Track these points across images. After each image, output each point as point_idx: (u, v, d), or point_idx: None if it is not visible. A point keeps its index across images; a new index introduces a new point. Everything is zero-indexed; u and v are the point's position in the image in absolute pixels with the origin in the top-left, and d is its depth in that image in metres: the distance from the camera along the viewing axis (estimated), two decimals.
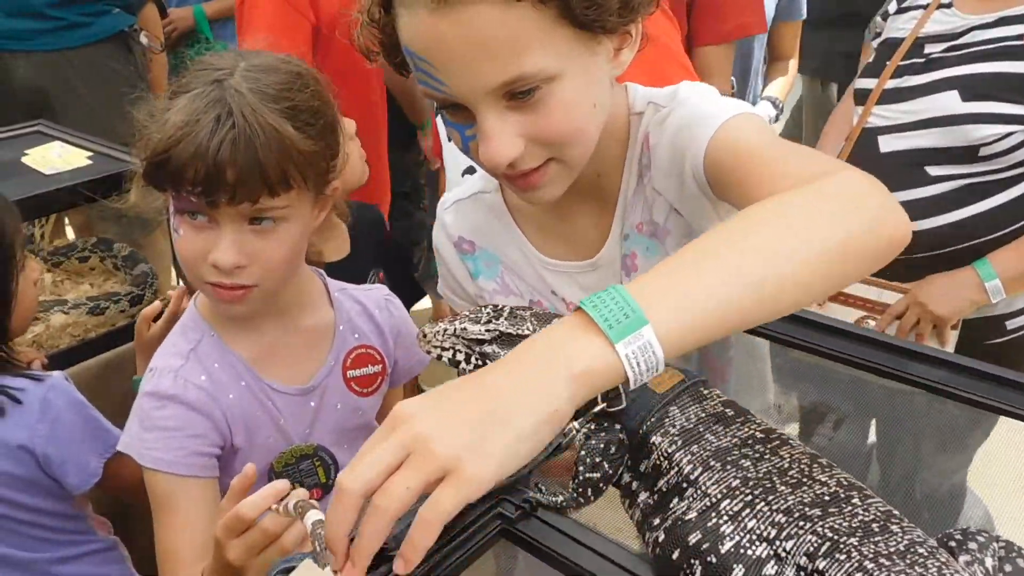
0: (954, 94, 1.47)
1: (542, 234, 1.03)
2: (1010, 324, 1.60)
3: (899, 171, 1.53)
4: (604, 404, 0.69)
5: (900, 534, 0.58)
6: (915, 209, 1.50)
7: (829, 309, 1.61)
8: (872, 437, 1.17)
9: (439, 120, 0.87)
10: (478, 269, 1.07)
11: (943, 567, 0.54)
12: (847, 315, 1.61)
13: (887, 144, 1.56)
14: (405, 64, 0.85)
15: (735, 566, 0.59)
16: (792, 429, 1.03)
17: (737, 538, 0.60)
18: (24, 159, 1.70)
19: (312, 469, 1.15)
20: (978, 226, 1.51)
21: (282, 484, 0.81)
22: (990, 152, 1.45)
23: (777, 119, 2.32)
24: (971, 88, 1.46)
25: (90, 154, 1.73)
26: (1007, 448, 0.90)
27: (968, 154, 1.47)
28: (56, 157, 1.69)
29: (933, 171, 1.51)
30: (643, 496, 0.68)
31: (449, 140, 0.90)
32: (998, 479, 0.95)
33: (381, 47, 0.86)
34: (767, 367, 0.98)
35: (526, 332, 0.74)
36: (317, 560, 0.59)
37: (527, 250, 1.03)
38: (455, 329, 0.76)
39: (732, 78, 2.08)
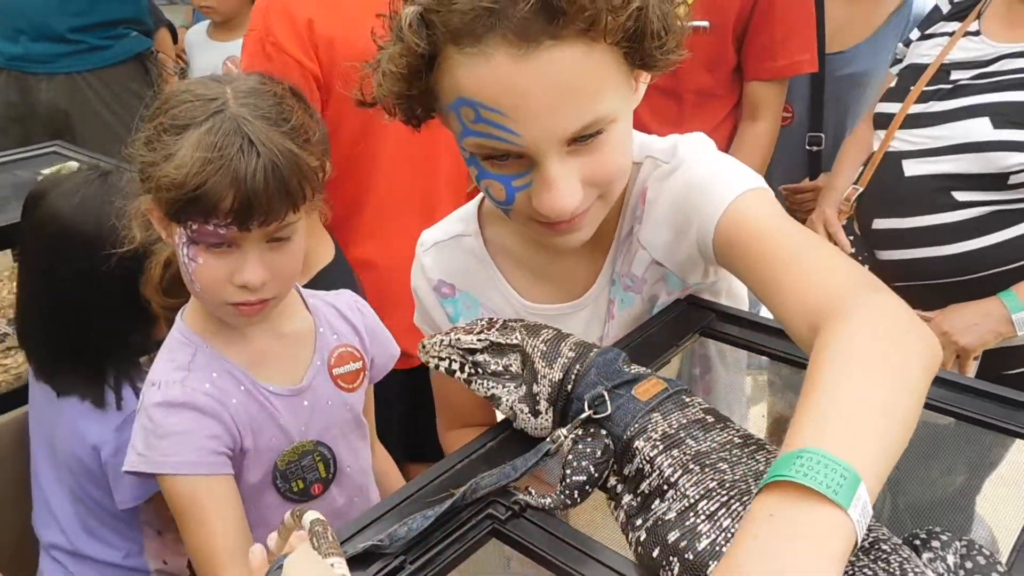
0: (985, 121, 1.47)
1: (525, 277, 1.03)
2: None
3: (925, 195, 1.52)
4: (591, 411, 0.73)
5: (866, 532, 0.60)
6: (940, 234, 1.50)
7: None
8: None
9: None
10: (458, 312, 1.06)
11: (904, 562, 0.57)
12: None
13: (912, 168, 1.55)
14: (423, 118, 0.85)
15: (711, 563, 0.62)
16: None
17: (713, 536, 0.63)
18: (40, 180, 1.76)
19: (313, 464, 1.21)
20: (1003, 254, 1.49)
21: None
22: (1020, 180, 1.45)
23: None
24: (1003, 116, 1.45)
25: None
26: (1018, 470, 0.92)
27: (997, 181, 1.46)
28: None
29: (960, 196, 1.49)
30: (627, 498, 0.71)
31: (482, 189, 0.86)
32: (1004, 501, 0.95)
33: (405, 100, 0.83)
34: (749, 379, 1.01)
35: (514, 341, 0.78)
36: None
37: (508, 294, 1.03)
38: (450, 340, 0.80)
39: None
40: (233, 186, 0.98)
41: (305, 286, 1.36)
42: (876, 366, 0.62)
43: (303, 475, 1.19)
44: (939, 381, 0.86)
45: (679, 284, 0.98)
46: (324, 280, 1.57)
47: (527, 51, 0.73)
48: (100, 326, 1.31)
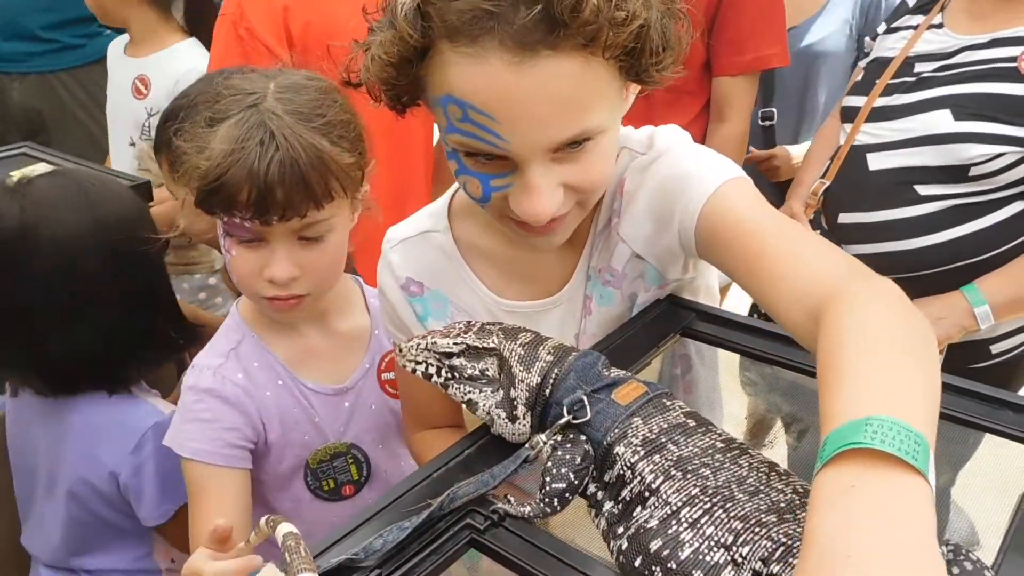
0: (946, 113, 1.48)
1: (497, 274, 1.00)
2: (994, 348, 1.61)
3: (888, 189, 1.53)
4: (570, 416, 0.71)
5: None
6: (903, 228, 1.51)
7: None
8: None
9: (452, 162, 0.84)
10: (427, 311, 1.03)
11: None
12: None
13: (876, 162, 1.56)
14: (408, 106, 0.83)
15: (694, 572, 0.61)
16: (769, 438, 1.05)
17: (696, 544, 0.62)
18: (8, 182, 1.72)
19: (345, 466, 1.21)
20: (967, 247, 1.50)
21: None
22: (981, 172, 1.46)
23: None
24: (963, 108, 1.47)
25: None
26: (988, 463, 0.92)
27: (959, 174, 1.47)
28: None
29: (923, 190, 1.50)
30: (608, 505, 0.69)
31: (460, 183, 0.85)
32: (981, 494, 0.95)
33: (392, 87, 0.81)
34: (731, 379, 1.00)
35: (491, 345, 0.76)
36: (287, 570, 0.61)
37: (480, 291, 1.00)
38: (427, 343, 0.79)
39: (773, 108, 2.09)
40: (248, 180, 0.98)
41: None
42: (898, 344, 0.60)
43: (335, 475, 1.20)
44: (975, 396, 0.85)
45: (658, 279, 0.96)
46: None
47: (523, 59, 0.72)
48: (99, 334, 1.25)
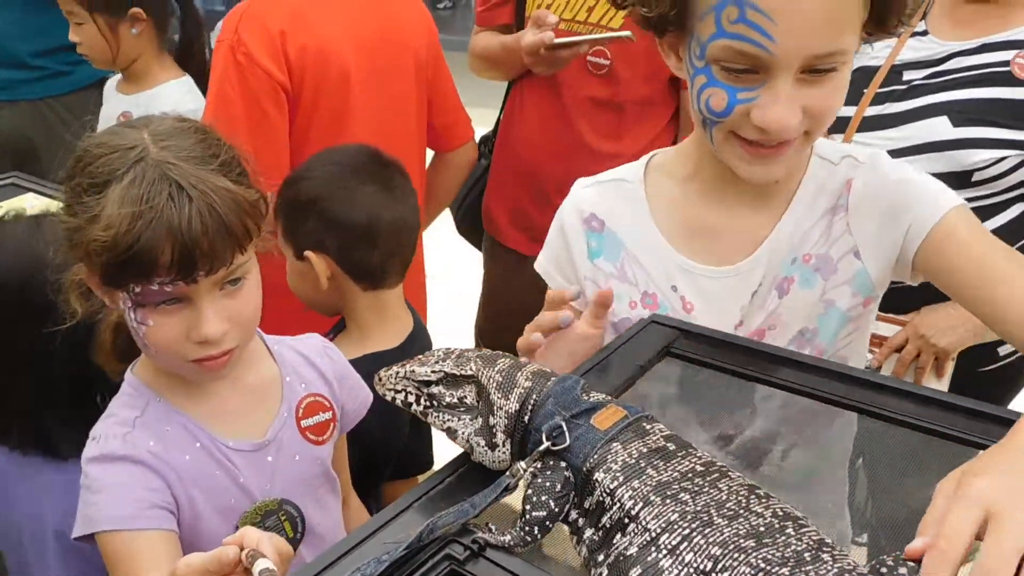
0: (944, 120, 1.48)
1: (679, 230, 1.05)
2: (1002, 351, 1.61)
3: None
4: (549, 443, 0.71)
5: (831, 562, 0.59)
6: None
7: None
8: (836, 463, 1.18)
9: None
10: (600, 249, 1.09)
11: None
12: None
13: None
14: (668, 24, 0.92)
15: None
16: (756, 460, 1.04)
17: (675, 571, 0.61)
18: None
19: (278, 524, 1.12)
20: None
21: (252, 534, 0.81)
22: (983, 177, 1.46)
23: None
24: (961, 113, 1.47)
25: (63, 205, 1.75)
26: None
27: (961, 179, 1.46)
28: (29, 208, 1.71)
29: None
30: (589, 532, 0.69)
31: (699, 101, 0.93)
32: None
33: None
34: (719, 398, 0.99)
35: (469, 372, 0.76)
36: None
37: (658, 242, 1.06)
38: (405, 372, 0.78)
39: None
40: (169, 238, 0.91)
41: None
42: None
43: None
44: (911, 396, 0.85)
45: (865, 287, 1.01)
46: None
47: None
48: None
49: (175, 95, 2.05)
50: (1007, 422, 0.77)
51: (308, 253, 1.43)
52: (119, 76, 2.17)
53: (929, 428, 0.82)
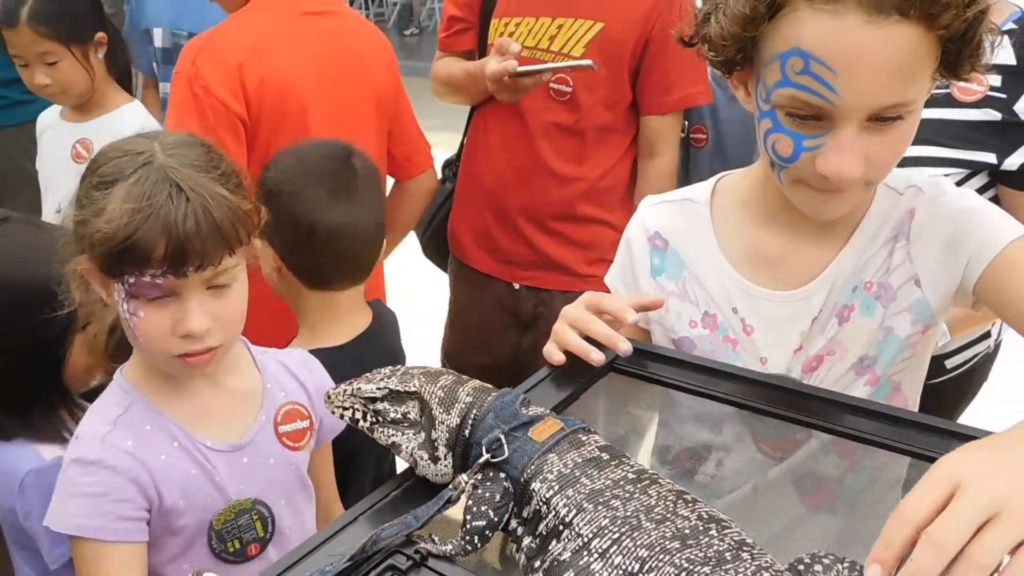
0: None
1: (743, 253, 1.06)
2: (948, 363, 1.67)
3: None
4: (488, 455, 0.74)
5: (749, 560, 0.62)
6: None
7: None
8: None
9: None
10: (663, 267, 1.10)
11: None
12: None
13: None
14: (739, 66, 0.92)
15: None
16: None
17: (606, 574, 0.64)
18: None
19: (250, 523, 1.19)
20: None
21: None
22: None
23: None
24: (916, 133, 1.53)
25: None
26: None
27: None
28: None
29: None
30: (526, 540, 0.71)
31: (766, 143, 0.93)
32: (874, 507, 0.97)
33: (732, 41, 0.89)
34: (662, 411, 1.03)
35: (412, 388, 0.79)
36: None
37: (721, 264, 1.06)
38: (352, 389, 0.81)
39: None
40: (165, 233, 1.00)
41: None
42: None
43: (240, 535, 1.18)
44: (889, 419, 0.87)
45: (925, 316, 1.01)
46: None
47: (875, 20, 0.81)
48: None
49: (137, 119, 2.06)
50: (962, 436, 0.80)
51: (256, 241, 1.45)
52: (55, 111, 2.18)
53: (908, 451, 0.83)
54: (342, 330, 1.53)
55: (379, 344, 1.58)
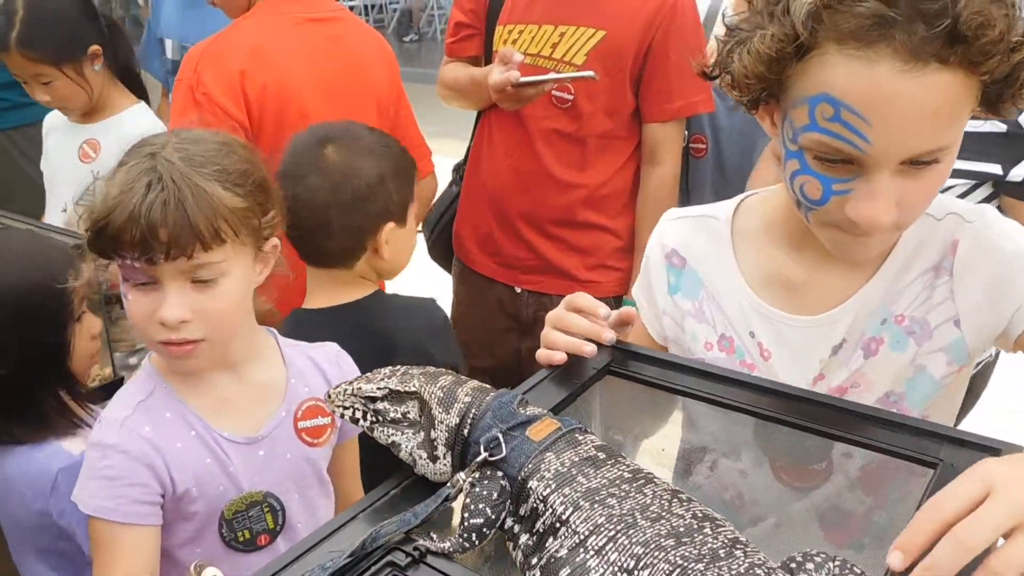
0: None
1: (762, 274, 1.03)
2: None
3: None
4: (486, 454, 0.75)
5: (743, 558, 0.63)
6: None
7: None
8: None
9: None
10: (679, 285, 1.07)
11: None
12: None
13: None
14: (762, 103, 0.88)
15: None
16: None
17: (601, 571, 0.65)
18: None
19: (261, 515, 1.21)
20: None
21: None
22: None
23: None
24: None
25: None
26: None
27: None
28: None
29: None
30: (524, 538, 0.72)
31: (792, 184, 0.89)
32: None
33: (756, 79, 0.84)
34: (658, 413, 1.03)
35: (412, 389, 0.80)
36: None
37: (739, 285, 1.03)
38: (353, 388, 0.82)
39: None
40: (132, 220, 1.03)
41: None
42: None
43: (250, 525, 1.21)
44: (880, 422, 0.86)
45: (961, 356, 0.96)
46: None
47: (912, 68, 0.76)
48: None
49: (144, 121, 2.08)
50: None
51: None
52: (60, 113, 2.20)
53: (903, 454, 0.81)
54: (335, 301, 1.53)
55: (370, 325, 1.54)
